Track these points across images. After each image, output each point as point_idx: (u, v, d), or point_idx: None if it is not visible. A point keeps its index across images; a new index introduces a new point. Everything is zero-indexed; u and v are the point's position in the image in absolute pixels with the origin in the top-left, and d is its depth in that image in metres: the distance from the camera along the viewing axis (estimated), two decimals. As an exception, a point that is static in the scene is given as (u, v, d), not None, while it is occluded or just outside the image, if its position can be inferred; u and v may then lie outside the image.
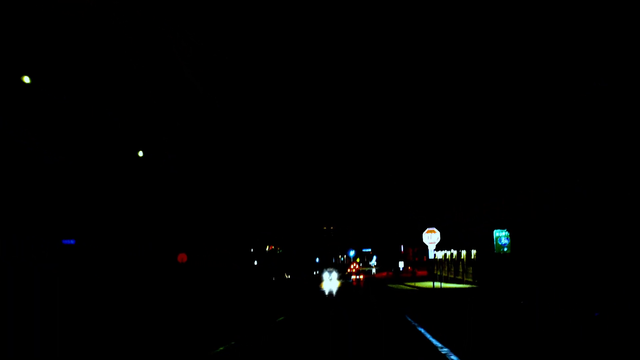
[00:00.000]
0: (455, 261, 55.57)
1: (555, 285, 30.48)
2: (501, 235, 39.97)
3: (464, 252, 51.66)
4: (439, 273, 65.92)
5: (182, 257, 39.29)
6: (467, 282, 49.28)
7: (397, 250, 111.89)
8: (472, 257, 47.83)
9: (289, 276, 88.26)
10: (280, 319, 19.66)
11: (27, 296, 25.24)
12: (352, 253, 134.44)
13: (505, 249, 39.73)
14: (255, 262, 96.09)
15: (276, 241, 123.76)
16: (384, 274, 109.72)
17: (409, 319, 19.38)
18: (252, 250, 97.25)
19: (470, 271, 48.44)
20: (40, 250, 32.41)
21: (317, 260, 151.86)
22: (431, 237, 29.53)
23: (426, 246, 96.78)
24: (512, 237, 38.75)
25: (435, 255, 51.52)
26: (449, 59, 52.75)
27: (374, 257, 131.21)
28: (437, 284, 54.54)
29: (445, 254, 61.88)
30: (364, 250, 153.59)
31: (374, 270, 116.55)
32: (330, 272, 77.13)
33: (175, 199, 46.86)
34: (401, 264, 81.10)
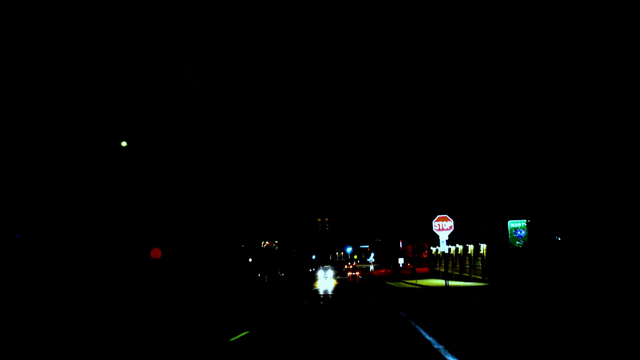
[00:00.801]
0: (461, 257, 51.01)
1: (585, 284, 25.95)
2: (517, 227, 35.42)
3: (471, 247, 47.08)
4: (442, 270, 61.33)
5: (156, 253, 34.64)
6: (475, 280, 44.72)
7: (395, 247, 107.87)
8: (482, 252, 43.26)
9: (282, 274, 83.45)
10: (239, 336, 14.93)
11: (27, 296, 24.85)
12: (349, 249, 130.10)
13: (521, 243, 35.17)
14: (250, 260, 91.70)
15: (272, 237, 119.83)
16: (382, 271, 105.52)
17: (422, 332, 14.79)
18: (243, 246, 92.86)
19: (479, 267, 43.86)
20: (40, 250, 31.01)
21: (314, 257, 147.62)
22: (443, 225, 24.71)
23: (425, 243, 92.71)
24: (530, 229, 34.18)
25: (449, 249, 46.97)
26: (451, 59, 50.28)
27: (372, 254, 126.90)
28: (441, 282, 50.03)
29: (450, 249, 57.30)
30: (361, 246, 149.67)
31: (371, 268, 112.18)
32: (325, 269, 72.32)
33: (155, 192, 42.44)
34: (401, 261, 76.69)
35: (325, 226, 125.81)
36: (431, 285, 44.72)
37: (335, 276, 68.43)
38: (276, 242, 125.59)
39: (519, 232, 35.22)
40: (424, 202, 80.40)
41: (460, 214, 51.24)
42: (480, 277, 43.14)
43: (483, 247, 42.83)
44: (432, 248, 69.78)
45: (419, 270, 79.58)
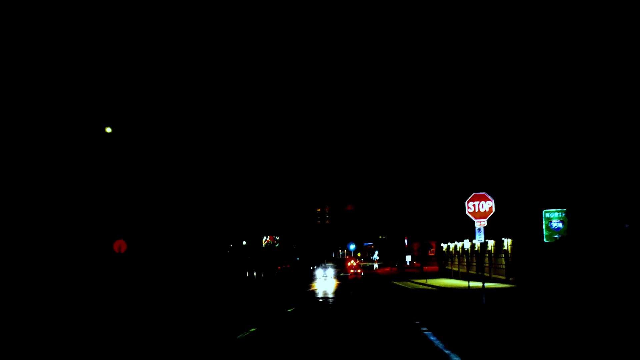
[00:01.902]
0: (479, 254, 44.94)
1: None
2: (553, 217, 29.34)
3: (491, 242, 40.99)
4: (455, 269, 55.25)
5: (120, 246, 28.63)
6: (496, 280, 38.67)
7: (400, 244, 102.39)
8: (505, 247, 37.19)
9: (277, 273, 77.32)
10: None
11: None
12: (352, 247, 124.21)
13: (559, 236, 29.09)
14: (249, 257, 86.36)
15: (273, 232, 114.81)
16: (387, 269, 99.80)
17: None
18: (245, 243, 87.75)
19: (502, 266, 37.80)
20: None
21: (316, 254, 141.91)
22: (480, 207, 18.38)
23: (432, 241, 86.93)
24: (570, 219, 28.10)
25: (487, 242, 40.78)
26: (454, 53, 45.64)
27: (376, 252, 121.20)
28: (456, 282, 44.01)
29: (463, 245, 51.24)
30: (365, 244, 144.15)
31: (376, 266, 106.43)
32: (325, 268, 66.06)
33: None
34: (408, 258, 70.79)
35: (325, 218, 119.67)
36: (447, 286, 38.68)
37: (336, 275, 61.83)
38: (277, 238, 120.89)
39: (555, 224, 29.14)
40: (433, 195, 74.56)
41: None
42: (504, 277, 37.08)
43: (507, 242, 36.78)
44: (442, 245, 63.71)
45: (426, 269, 73.71)
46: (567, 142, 28.38)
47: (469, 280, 45.50)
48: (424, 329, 13.70)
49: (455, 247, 55.37)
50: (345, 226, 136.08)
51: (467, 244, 49.72)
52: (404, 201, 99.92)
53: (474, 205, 18.52)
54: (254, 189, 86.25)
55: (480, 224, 18.59)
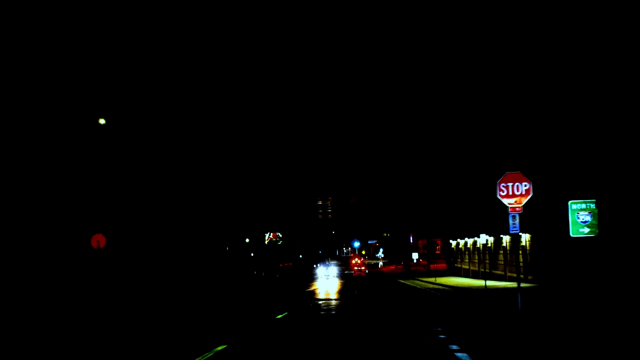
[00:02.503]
0: (492, 251, 41.88)
1: None
2: (581, 209, 26.26)
3: (506, 238, 37.94)
4: (466, 267, 52.21)
5: (99, 241, 25.66)
6: (513, 279, 35.58)
7: (406, 242, 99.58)
8: (523, 243, 34.11)
9: (278, 272, 74.17)
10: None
11: None
12: (356, 244, 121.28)
13: (589, 230, 26.01)
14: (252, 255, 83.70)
15: (276, 229, 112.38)
16: (392, 267, 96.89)
17: None
18: (248, 241, 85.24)
19: (521, 264, 34.68)
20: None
21: (319, 252, 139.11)
22: (515, 189, 15.02)
23: (438, 239, 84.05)
24: (600, 211, 25.03)
25: (501, 237, 37.70)
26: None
27: (381, 250, 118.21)
28: (467, 281, 41.01)
29: (475, 242, 48.17)
30: (369, 242, 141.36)
31: (380, 264, 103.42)
32: (327, 266, 62.87)
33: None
34: (415, 256, 67.72)
35: (327, 212, 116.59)
36: (459, 285, 35.62)
37: (339, 274, 57.88)
38: (280, 235, 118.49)
39: (583, 216, 26.06)
40: (440, 191, 71.62)
41: (490, 197, 42.10)
42: (522, 276, 33.96)
43: (525, 237, 33.70)
44: (451, 241, 60.62)
45: (433, 266, 70.68)
46: (596, 122, 25.26)
47: (481, 278, 42.55)
48: (454, 347, 10.64)
49: (466, 243, 52.30)
50: (349, 221, 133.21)
51: (479, 241, 46.63)
52: (409, 198, 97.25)
53: (506, 188, 15.37)
54: (255, 183, 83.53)
55: (514, 209, 15.45)
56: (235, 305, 23.51)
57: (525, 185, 15.28)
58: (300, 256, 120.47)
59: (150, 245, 34.64)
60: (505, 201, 15.58)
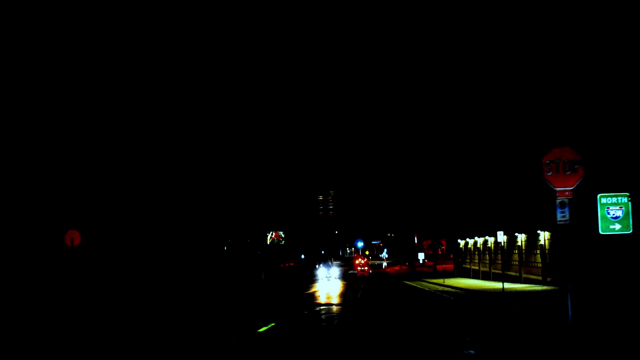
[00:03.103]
0: (505, 250, 39.08)
1: None
2: (611, 204, 23.36)
3: (522, 237, 35.17)
4: (475, 267, 49.39)
5: (73, 238, 23.01)
6: (528, 281, 32.85)
7: (410, 242, 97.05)
8: (542, 242, 31.31)
9: (277, 273, 71.15)
10: None
11: None
12: (360, 244, 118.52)
13: (619, 227, 23.13)
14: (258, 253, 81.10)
15: (278, 228, 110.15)
16: (397, 267, 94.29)
17: None
18: (249, 241, 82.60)
19: (538, 264, 31.92)
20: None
21: (322, 252, 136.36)
22: (564, 167, 12.12)
23: (442, 239, 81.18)
24: (635, 207, 22.12)
25: (517, 236, 34.82)
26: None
27: (385, 250, 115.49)
28: (473, 282, 38.25)
29: (485, 241, 45.36)
30: (373, 242, 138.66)
31: (384, 264, 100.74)
32: (329, 267, 59.81)
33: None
34: (421, 256, 64.84)
35: (328, 207, 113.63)
36: (472, 287, 32.81)
37: (342, 276, 54.68)
38: (282, 235, 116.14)
39: (614, 211, 23.17)
40: (446, 190, 68.80)
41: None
42: (539, 278, 31.20)
43: (544, 235, 30.91)
44: (459, 241, 57.79)
45: (439, 267, 67.89)
46: (630, 107, 22.50)
47: (492, 280, 39.77)
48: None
49: (475, 243, 49.49)
50: (352, 221, 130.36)
51: (490, 240, 43.83)
52: (414, 198, 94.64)
53: (553, 166, 12.53)
54: (255, 180, 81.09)
55: (564, 194, 12.62)
56: (218, 312, 20.78)
57: (577, 164, 12.47)
58: (303, 256, 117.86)
59: (135, 244, 31.94)
60: (553, 182, 12.69)
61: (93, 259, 26.26)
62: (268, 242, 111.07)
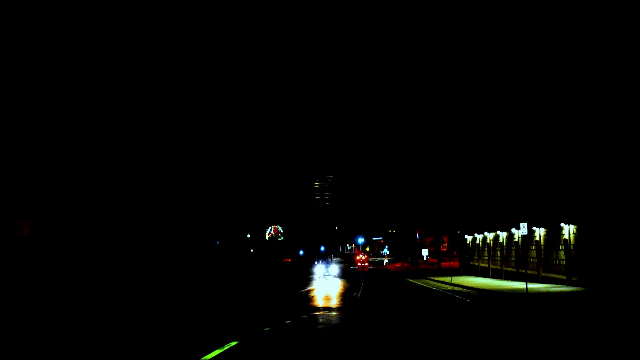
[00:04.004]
0: (520, 246, 35.59)
1: None
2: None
3: (540, 231, 31.65)
4: (484, 265, 45.86)
5: (22, 227, 19.66)
6: (549, 281, 29.37)
7: (412, 238, 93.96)
8: (565, 237, 27.80)
9: (273, 270, 67.45)
10: None
11: None
12: (360, 240, 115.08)
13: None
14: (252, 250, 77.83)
15: (276, 222, 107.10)
16: (398, 264, 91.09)
17: None
18: (249, 237, 79.39)
19: (560, 261, 28.40)
20: None
21: (323, 248, 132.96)
22: None
23: (442, 236, 77.80)
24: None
25: (534, 229, 31.40)
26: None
27: (386, 247, 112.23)
28: (485, 282, 34.77)
29: (497, 237, 41.87)
30: (374, 238, 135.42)
31: (386, 261, 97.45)
32: (328, 264, 56.17)
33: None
34: (425, 252, 61.25)
35: (325, 197, 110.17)
36: (485, 287, 29.25)
37: (341, 274, 50.46)
38: (281, 231, 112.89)
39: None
40: (451, 183, 65.41)
41: (518, 179, 35.85)
42: (563, 277, 27.70)
43: (568, 229, 27.40)
44: (466, 237, 54.29)
45: (443, 264, 64.46)
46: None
47: (504, 279, 36.16)
48: None
49: (484, 239, 45.97)
50: (351, 214, 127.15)
51: (502, 235, 40.34)
52: (416, 193, 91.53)
53: None
54: (252, 174, 77.96)
55: None
56: (177, 321, 17.27)
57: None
58: (301, 252, 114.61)
59: (105, 235, 28.40)
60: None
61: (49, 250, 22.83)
62: (267, 238, 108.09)
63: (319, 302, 23.46)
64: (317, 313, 18.10)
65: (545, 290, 24.67)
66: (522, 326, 13.95)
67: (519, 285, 29.06)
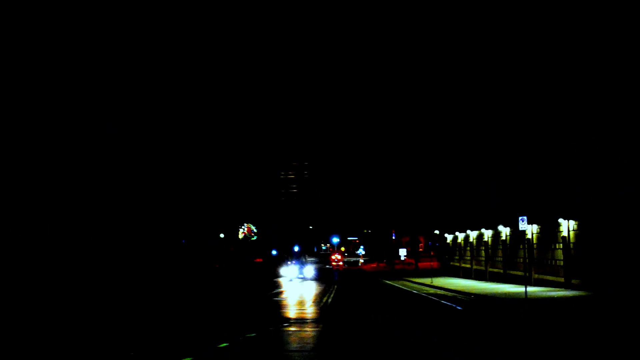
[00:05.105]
0: (508, 244, 32.63)
1: None
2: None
3: (532, 228, 28.64)
4: (466, 266, 42.86)
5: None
6: (543, 283, 26.38)
7: (388, 239, 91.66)
8: (563, 234, 24.82)
9: (241, 275, 63.71)
10: None
11: None
12: (335, 240, 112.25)
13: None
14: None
15: (248, 220, 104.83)
16: (374, 265, 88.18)
17: None
18: (223, 236, 75.70)
19: (558, 262, 25.41)
20: None
21: (297, 248, 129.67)
22: None
23: (421, 236, 75.38)
24: None
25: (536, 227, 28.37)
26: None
27: (361, 247, 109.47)
28: (469, 284, 31.73)
29: (481, 236, 38.91)
30: (349, 238, 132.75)
31: (361, 261, 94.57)
32: (303, 264, 52.54)
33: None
34: (402, 252, 58.35)
35: (296, 190, 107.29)
36: (473, 290, 26.09)
37: (317, 276, 46.47)
38: (255, 230, 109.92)
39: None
40: (428, 180, 62.66)
41: (510, 172, 32.86)
42: (562, 280, 24.69)
43: (568, 225, 24.43)
44: (446, 235, 51.41)
45: (420, 265, 61.60)
46: None
47: (489, 280, 32.93)
48: None
49: (467, 238, 43.00)
50: (327, 217, 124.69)
51: (487, 233, 37.41)
52: (392, 193, 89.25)
53: None
54: (224, 172, 74.82)
55: None
56: (122, 332, 13.80)
57: None
58: (275, 252, 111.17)
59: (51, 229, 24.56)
60: None
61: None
62: (240, 237, 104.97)
63: (298, 311, 20.14)
64: (281, 326, 14.75)
65: (544, 295, 21.62)
66: (536, 349, 10.78)
67: (512, 288, 26.02)
